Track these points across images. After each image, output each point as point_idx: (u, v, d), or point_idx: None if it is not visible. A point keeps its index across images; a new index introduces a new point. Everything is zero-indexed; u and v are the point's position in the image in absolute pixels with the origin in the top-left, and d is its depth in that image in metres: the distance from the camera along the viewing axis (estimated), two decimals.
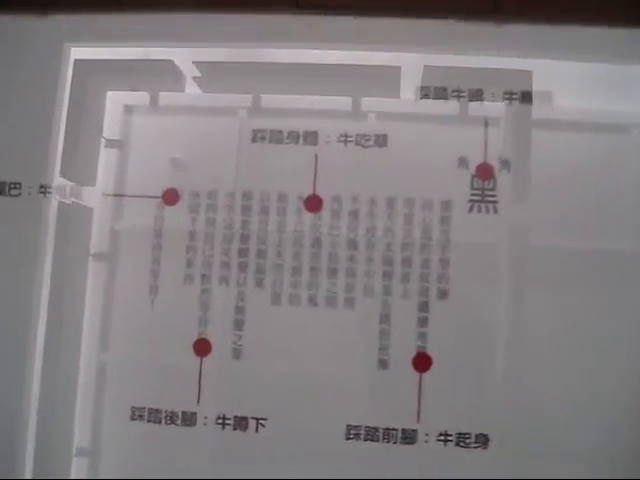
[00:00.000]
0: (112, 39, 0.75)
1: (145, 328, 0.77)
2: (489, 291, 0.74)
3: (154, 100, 0.75)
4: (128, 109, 0.76)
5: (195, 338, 0.76)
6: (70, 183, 0.75)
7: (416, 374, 0.73)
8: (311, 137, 0.77)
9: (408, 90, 0.76)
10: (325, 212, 0.76)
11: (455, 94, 0.76)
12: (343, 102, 0.78)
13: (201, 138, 0.77)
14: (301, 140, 0.77)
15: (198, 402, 0.75)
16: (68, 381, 0.76)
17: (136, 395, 0.77)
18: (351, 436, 0.73)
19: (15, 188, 0.76)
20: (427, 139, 0.76)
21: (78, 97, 0.74)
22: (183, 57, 0.76)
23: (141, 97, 0.75)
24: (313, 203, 0.76)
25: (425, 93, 0.77)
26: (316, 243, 0.76)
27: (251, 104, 0.77)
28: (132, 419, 0.76)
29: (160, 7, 0.74)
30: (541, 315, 0.73)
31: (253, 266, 0.76)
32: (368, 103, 0.78)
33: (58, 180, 0.75)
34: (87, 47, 0.76)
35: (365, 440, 0.73)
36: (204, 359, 0.76)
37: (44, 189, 0.76)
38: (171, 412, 0.76)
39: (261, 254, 0.76)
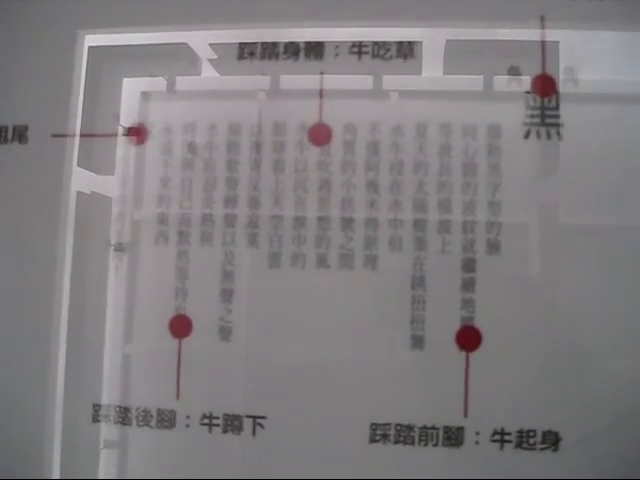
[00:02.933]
0: (125, 24, 0.64)
1: (106, 303, 0.60)
2: (553, 243, 0.56)
3: (171, 85, 0.63)
4: (145, 95, 0.64)
5: (171, 314, 0.59)
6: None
7: (461, 354, 0.56)
8: (315, 49, 0.59)
9: None
10: (335, 145, 0.59)
11: None
12: None
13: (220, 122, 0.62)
14: (302, 54, 0.59)
15: (177, 397, 0.59)
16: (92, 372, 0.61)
17: (100, 390, 0.60)
18: (377, 438, 0.56)
19: None
20: (465, 45, 0.58)
21: (94, 85, 0.64)
22: (199, 39, 0.63)
23: (158, 83, 0.63)
24: (319, 134, 0.59)
25: None
26: (324, 185, 0.58)
27: (270, 86, 0.61)
28: (95, 420, 0.59)
29: None
30: (623, 275, 0.55)
31: (243, 218, 0.59)
32: None
33: (76, 170, 0.63)
34: (101, 34, 0.64)
35: (396, 443, 0.56)
36: (183, 341, 0.59)
37: None
38: (144, 410, 0.59)
39: (253, 202, 0.59)
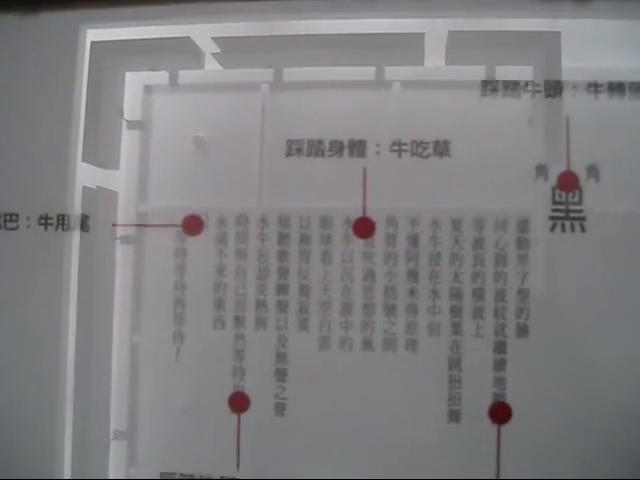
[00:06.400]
0: (127, 18, 0.66)
1: (170, 381, 0.66)
2: (578, 327, 0.62)
3: (174, 79, 0.67)
4: (148, 89, 0.68)
5: (230, 392, 0.65)
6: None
7: (493, 427, 0.62)
8: (358, 147, 0.64)
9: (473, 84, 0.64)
10: (378, 238, 0.64)
11: (529, 88, 0.63)
12: None
13: (223, 115, 0.67)
14: (346, 152, 0.64)
15: (238, 467, 0.65)
16: (102, 365, 0.67)
17: (165, 458, 0.66)
18: None
19: None
20: (498, 145, 0.63)
21: (97, 80, 0.66)
22: (201, 33, 0.66)
23: (160, 76, 0.67)
24: (363, 227, 0.64)
25: (492, 88, 0.64)
26: (369, 275, 0.64)
27: (273, 78, 0.66)
28: None
29: None
30: None
31: (295, 305, 0.64)
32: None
33: (81, 165, 0.66)
34: (103, 28, 0.67)
35: None
36: (242, 416, 0.65)
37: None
38: (207, 479, 0.65)
39: (304, 291, 0.64)
